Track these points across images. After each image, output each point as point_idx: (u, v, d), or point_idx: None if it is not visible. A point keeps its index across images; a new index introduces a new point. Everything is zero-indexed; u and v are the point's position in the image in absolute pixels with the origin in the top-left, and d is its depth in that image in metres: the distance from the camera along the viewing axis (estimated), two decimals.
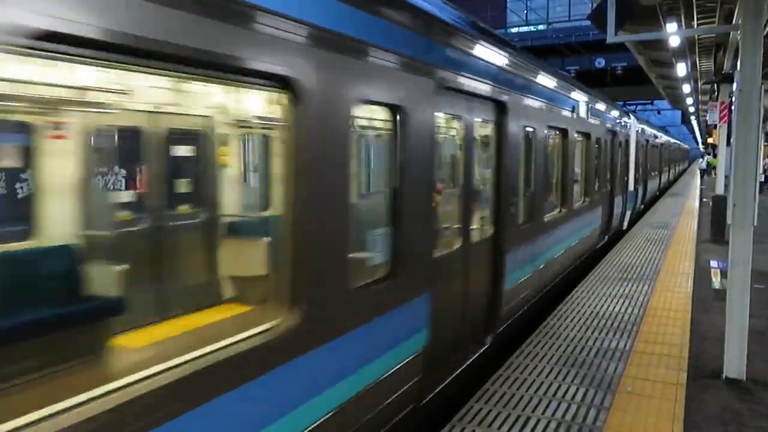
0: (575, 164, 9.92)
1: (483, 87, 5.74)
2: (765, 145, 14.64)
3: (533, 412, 4.77)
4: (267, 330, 3.19)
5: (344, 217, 3.71)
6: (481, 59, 5.72)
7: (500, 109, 6.26)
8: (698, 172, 46.39)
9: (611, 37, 7.56)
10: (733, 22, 9.83)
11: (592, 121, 11.04)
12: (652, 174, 24.30)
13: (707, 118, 21.73)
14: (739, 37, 5.86)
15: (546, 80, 8.03)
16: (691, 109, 36.27)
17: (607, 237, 13.49)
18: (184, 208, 6.03)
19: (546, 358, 5.96)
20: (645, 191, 21.39)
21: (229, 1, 2.77)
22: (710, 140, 34.85)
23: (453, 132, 5.71)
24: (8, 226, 4.91)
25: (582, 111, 10.11)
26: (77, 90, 4.39)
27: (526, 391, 5.17)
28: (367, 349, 4.04)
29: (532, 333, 6.86)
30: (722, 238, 13.17)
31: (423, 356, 4.72)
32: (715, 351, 6.09)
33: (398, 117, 4.31)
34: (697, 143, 78.43)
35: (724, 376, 5.59)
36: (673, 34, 10.52)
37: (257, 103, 5.63)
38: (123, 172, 5.82)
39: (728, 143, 12.95)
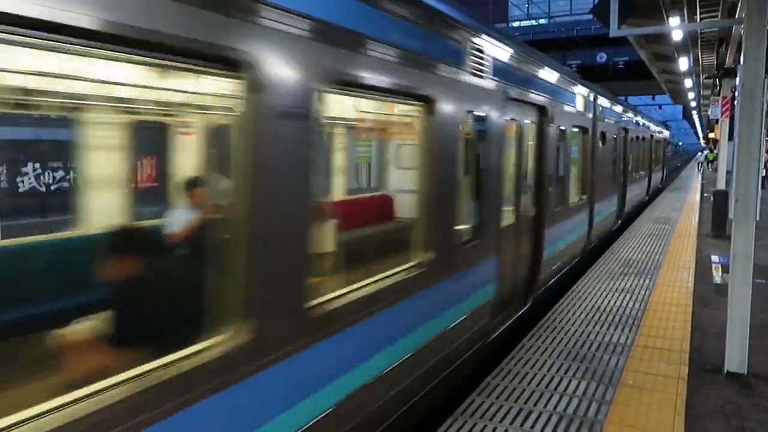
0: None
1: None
2: (767, 140, 14.57)
3: (535, 405, 4.79)
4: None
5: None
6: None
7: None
8: (697, 169, 46.61)
9: (614, 31, 7.57)
10: (737, 16, 9.80)
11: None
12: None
13: (709, 112, 21.70)
14: (742, 32, 5.84)
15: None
16: (693, 104, 36.17)
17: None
18: None
19: (547, 352, 5.98)
20: None
21: None
22: (711, 135, 34.83)
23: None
24: None
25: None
26: None
27: (528, 384, 5.19)
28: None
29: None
30: (724, 233, 13.19)
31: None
32: (716, 345, 6.11)
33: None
34: (698, 138, 78.35)
35: (725, 371, 5.61)
36: (675, 28, 10.49)
37: None
38: None
39: (730, 138, 12.93)
